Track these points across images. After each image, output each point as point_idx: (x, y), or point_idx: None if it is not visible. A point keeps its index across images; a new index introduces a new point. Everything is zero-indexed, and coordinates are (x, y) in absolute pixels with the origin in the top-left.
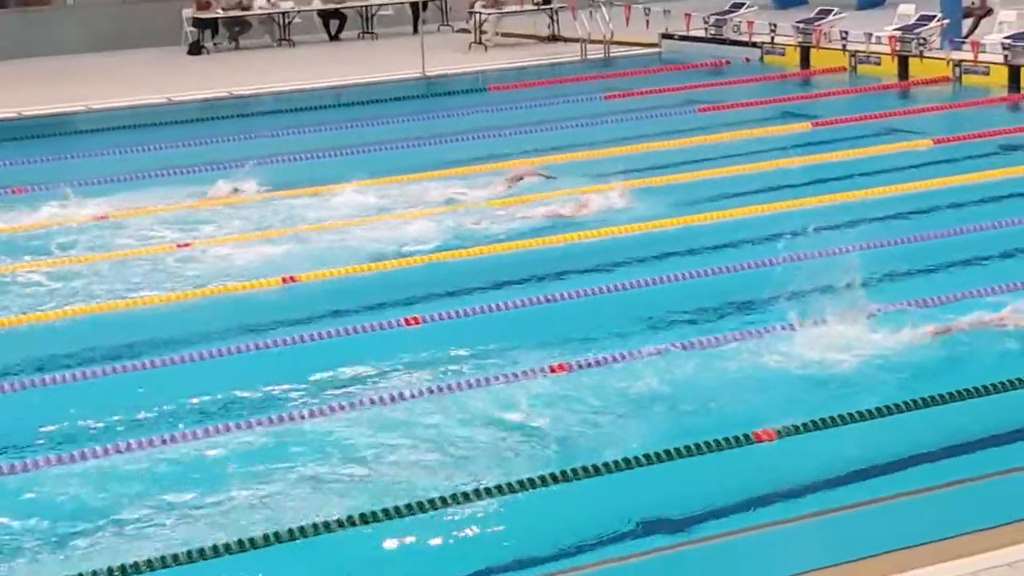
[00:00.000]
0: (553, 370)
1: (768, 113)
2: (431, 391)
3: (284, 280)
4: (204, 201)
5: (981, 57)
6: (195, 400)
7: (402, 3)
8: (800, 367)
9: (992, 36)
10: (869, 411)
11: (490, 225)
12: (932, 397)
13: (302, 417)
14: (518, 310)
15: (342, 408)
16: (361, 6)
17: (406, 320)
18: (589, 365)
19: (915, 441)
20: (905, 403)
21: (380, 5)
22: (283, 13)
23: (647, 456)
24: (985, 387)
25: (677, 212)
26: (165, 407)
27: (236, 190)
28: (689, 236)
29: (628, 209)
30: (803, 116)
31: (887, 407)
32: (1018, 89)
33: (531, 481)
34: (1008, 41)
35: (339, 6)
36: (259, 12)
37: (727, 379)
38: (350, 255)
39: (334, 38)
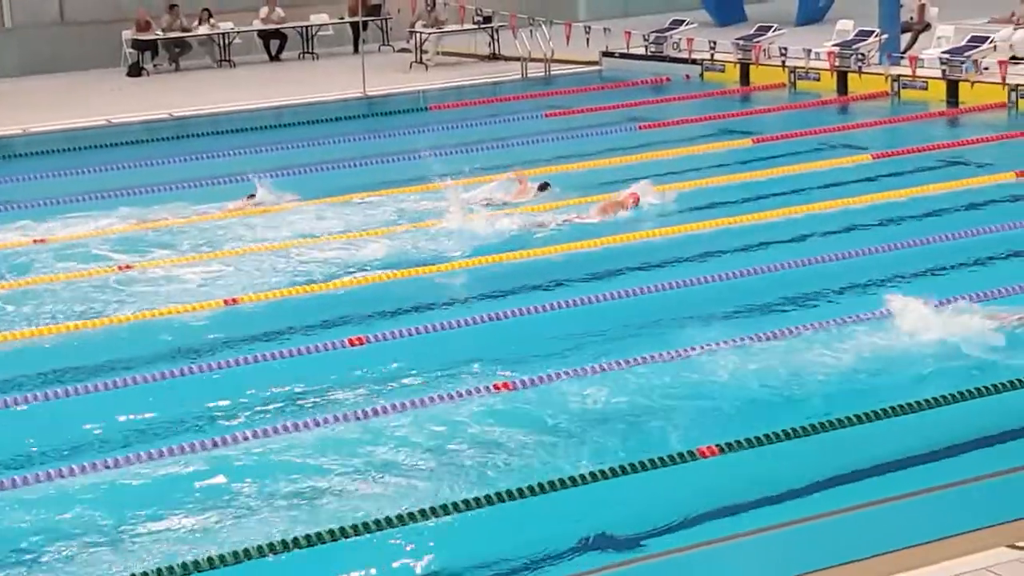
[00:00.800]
0: (497, 388)
1: (709, 130)
2: (374, 413)
3: (226, 302)
4: (145, 224)
5: (919, 72)
6: (135, 423)
7: (343, 23)
8: (722, 389)
9: (930, 51)
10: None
11: (433, 245)
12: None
13: (245, 439)
14: (463, 329)
15: (286, 429)
16: (301, 26)
17: (350, 341)
18: (532, 383)
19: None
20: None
21: (320, 25)
22: (223, 34)
23: (594, 474)
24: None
25: (622, 229)
26: (105, 431)
27: (177, 212)
28: (634, 252)
29: (575, 227)
30: (744, 133)
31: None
32: (956, 104)
33: (476, 500)
34: (946, 56)
35: (279, 26)
36: (199, 33)
37: (660, 399)
38: (293, 276)
39: (275, 59)
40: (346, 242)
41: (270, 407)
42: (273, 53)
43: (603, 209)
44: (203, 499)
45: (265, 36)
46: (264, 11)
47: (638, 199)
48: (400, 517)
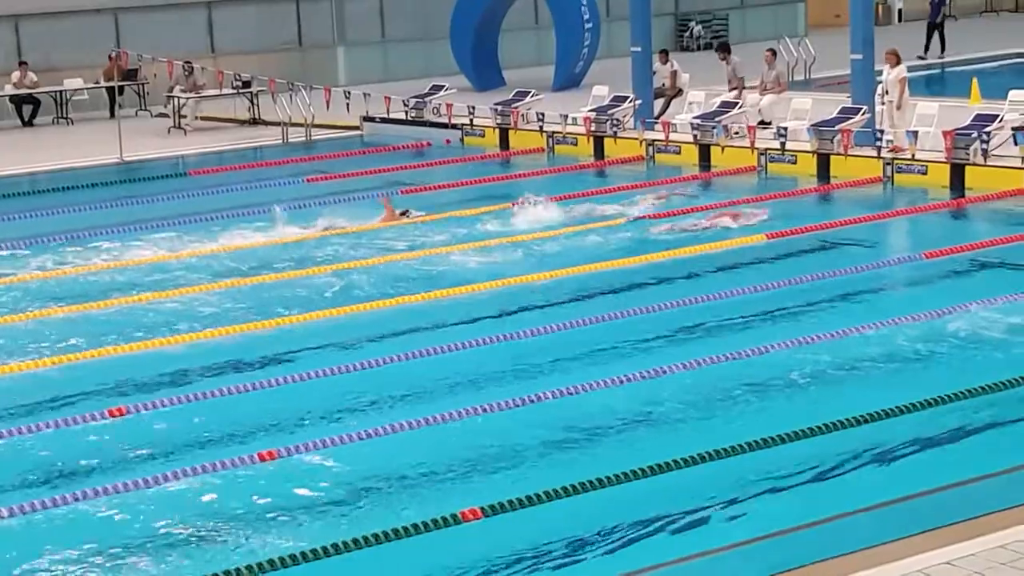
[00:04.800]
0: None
1: (470, 194)
2: (146, 483)
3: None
4: None
5: (672, 136)
6: None
7: (98, 87)
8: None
9: (682, 116)
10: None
11: (193, 312)
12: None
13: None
14: (237, 395)
15: (43, 506)
16: (55, 91)
17: (110, 412)
18: (299, 450)
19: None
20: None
21: (75, 90)
22: None
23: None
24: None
25: (375, 296)
26: None
27: None
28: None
29: (343, 291)
30: (504, 197)
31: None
32: (708, 167)
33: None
34: (697, 121)
35: (31, 91)
36: None
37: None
38: (43, 348)
39: (28, 124)
40: (100, 311)
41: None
42: (26, 118)
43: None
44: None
45: (17, 101)
46: (16, 75)
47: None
48: None
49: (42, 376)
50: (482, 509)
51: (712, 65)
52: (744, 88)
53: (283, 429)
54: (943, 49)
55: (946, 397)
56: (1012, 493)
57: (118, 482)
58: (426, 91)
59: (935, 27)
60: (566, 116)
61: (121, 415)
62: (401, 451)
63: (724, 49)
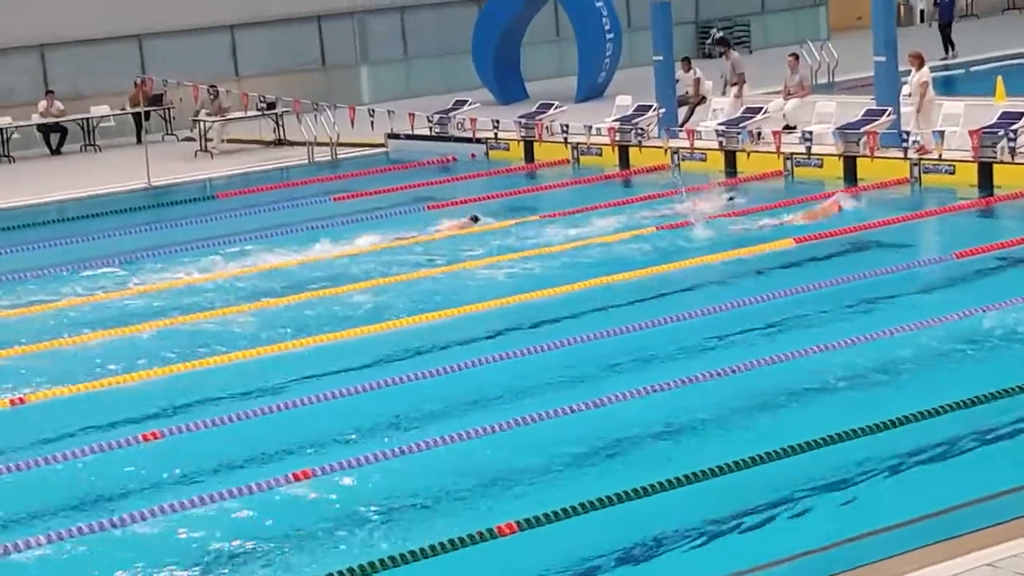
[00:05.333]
0: (296, 478)
1: (496, 208)
2: (174, 508)
3: (12, 402)
4: None
5: (697, 144)
6: None
7: (124, 114)
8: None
9: (707, 123)
10: None
11: (228, 333)
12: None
13: (37, 544)
14: (260, 418)
15: (80, 532)
16: (82, 119)
17: (144, 436)
18: (332, 469)
19: None
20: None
21: (102, 117)
22: (0, 129)
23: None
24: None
25: (413, 310)
26: None
27: None
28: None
29: (372, 309)
30: (531, 209)
31: None
32: (735, 173)
33: None
34: (721, 128)
35: (59, 119)
36: None
37: None
38: (82, 372)
39: (56, 152)
40: (133, 335)
41: (63, 510)
42: (54, 147)
43: (810, 215)
44: None
45: (45, 130)
46: (43, 104)
47: (840, 207)
48: None
49: (79, 400)
50: (518, 523)
51: None
52: (744, 83)
53: (315, 448)
54: (952, 50)
55: (993, 395)
56: None
57: (154, 506)
58: (450, 106)
59: (948, 27)
60: (590, 127)
61: (156, 439)
62: (434, 467)
63: (723, 44)
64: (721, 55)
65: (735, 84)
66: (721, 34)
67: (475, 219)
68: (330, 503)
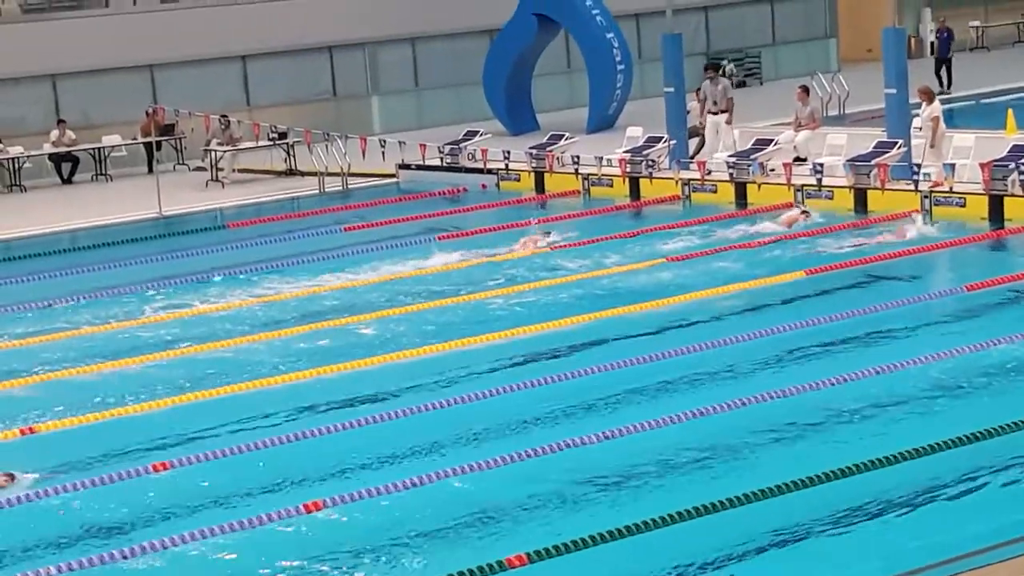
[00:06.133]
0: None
1: (507, 239)
2: (184, 540)
3: (22, 432)
4: None
5: (708, 176)
6: None
7: (136, 144)
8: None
9: (718, 155)
10: None
11: (239, 362)
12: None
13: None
14: (269, 448)
15: (91, 563)
16: (93, 148)
17: (154, 466)
18: (344, 500)
19: None
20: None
21: (113, 147)
22: (12, 159)
23: None
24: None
25: (422, 342)
26: None
27: None
28: (428, 366)
29: (382, 339)
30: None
31: None
32: (745, 205)
33: None
34: (732, 159)
35: (70, 149)
36: None
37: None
38: (92, 402)
39: (67, 181)
40: (144, 364)
41: (73, 543)
42: (65, 176)
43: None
44: None
45: (56, 159)
46: (55, 134)
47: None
48: None
49: (90, 430)
50: (528, 555)
51: (746, 102)
52: (733, 109)
53: (326, 479)
54: (950, 84)
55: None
56: None
57: (164, 537)
58: (461, 137)
59: (943, 62)
60: (601, 158)
61: (166, 469)
62: (444, 498)
63: (713, 68)
64: (710, 80)
65: (725, 111)
66: (716, 61)
67: (547, 233)
68: (341, 534)
